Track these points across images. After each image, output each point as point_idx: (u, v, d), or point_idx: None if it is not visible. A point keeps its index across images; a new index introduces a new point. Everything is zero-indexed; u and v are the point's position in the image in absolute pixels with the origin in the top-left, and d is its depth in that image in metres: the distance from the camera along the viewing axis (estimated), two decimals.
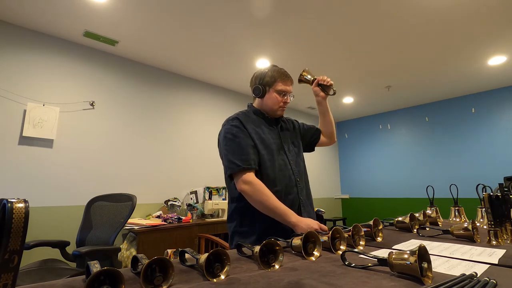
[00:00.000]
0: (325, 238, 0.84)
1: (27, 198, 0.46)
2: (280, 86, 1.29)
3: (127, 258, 2.57)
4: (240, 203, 1.22)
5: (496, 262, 0.69)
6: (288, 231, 1.11)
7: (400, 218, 1.25)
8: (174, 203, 3.26)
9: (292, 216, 1.11)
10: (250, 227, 1.20)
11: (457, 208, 1.53)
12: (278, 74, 1.30)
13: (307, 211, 1.27)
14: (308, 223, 1.08)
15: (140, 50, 3.17)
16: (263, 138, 1.26)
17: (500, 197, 0.96)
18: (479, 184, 1.34)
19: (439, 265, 0.67)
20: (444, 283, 0.49)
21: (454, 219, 1.52)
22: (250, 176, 1.16)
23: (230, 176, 1.21)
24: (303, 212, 1.25)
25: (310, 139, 1.50)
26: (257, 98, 1.36)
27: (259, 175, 1.20)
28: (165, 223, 2.85)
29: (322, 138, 1.53)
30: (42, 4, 2.38)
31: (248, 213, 1.20)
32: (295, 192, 1.26)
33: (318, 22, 2.68)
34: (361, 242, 0.88)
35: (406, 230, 1.21)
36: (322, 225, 1.09)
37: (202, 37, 2.92)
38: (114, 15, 2.55)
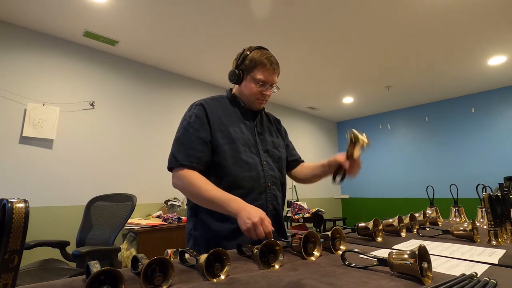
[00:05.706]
0: (256, 249, 0.73)
1: (27, 198, 0.46)
2: (258, 75, 1.05)
3: (127, 258, 2.57)
4: (190, 202, 1.05)
5: (496, 262, 0.69)
6: (247, 240, 0.90)
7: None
8: (174, 203, 3.26)
9: (231, 203, 0.89)
10: (202, 231, 1.02)
11: (457, 208, 1.53)
12: (259, 60, 1.05)
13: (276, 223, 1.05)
14: (251, 212, 0.85)
15: (140, 50, 3.17)
16: (230, 132, 1.05)
17: (500, 197, 0.96)
18: (479, 184, 1.34)
19: (439, 265, 0.67)
20: (444, 283, 0.49)
21: (454, 219, 1.53)
22: (186, 171, 0.98)
23: (170, 170, 1.03)
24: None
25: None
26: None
27: (218, 175, 1.02)
28: (165, 223, 2.84)
29: (296, 173, 1.27)
30: (42, 4, 2.37)
31: (201, 214, 1.02)
32: (263, 199, 1.05)
33: (318, 22, 2.68)
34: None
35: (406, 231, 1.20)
36: (266, 223, 0.84)
37: (202, 37, 2.92)
38: (114, 15, 2.55)
